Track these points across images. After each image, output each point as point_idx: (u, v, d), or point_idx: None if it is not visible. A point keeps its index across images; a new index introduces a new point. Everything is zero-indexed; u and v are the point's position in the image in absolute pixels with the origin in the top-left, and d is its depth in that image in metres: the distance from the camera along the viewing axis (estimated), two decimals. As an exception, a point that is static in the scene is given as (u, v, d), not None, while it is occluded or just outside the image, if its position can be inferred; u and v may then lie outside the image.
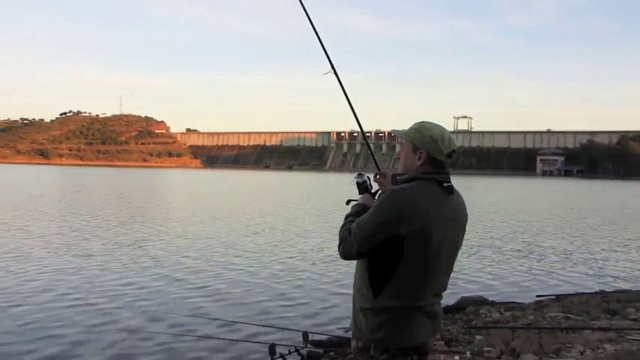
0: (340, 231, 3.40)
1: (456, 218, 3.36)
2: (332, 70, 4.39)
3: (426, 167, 3.33)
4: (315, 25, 4.50)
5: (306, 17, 4.54)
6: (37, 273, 12.47)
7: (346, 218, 3.47)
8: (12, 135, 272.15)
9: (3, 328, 8.54)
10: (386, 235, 3.19)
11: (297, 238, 20.04)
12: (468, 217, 3.52)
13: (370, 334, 3.22)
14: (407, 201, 3.24)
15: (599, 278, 13.87)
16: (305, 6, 4.56)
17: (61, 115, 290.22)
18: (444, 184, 3.32)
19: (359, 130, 4.65)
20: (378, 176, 3.78)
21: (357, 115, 4.42)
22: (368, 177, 3.81)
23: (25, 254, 14.83)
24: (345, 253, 3.33)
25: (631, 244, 20.67)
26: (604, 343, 6.98)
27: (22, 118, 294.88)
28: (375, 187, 3.72)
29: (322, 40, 4.43)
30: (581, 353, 6.49)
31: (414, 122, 3.46)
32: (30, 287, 11.12)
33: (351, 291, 3.41)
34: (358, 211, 3.47)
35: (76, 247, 16.49)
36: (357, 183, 3.76)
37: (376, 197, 3.49)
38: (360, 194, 3.73)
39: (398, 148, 3.82)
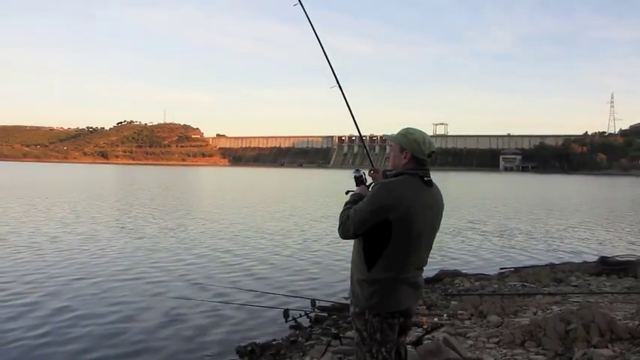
0: (340, 215, 3.42)
1: (434, 206, 3.38)
2: (337, 85, 4.40)
3: (410, 165, 3.36)
4: (323, 46, 4.52)
5: (316, 40, 4.55)
6: (104, 251, 12.52)
7: (345, 205, 3.49)
8: (80, 140, 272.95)
9: (84, 293, 8.63)
10: (378, 220, 3.21)
11: (309, 222, 20.01)
12: (445, 205, 3.53)
13: (365, 301, 3.26)
14: (395, 192, 3.29)
15: (549, 253, 13.83)
16: (315, 29, 4.58)
17: (117, 123, 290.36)
18: (425, 178, 3.35)
19: (357, 134, 4.69)
20: (371, 172, 3.82)
21: (357, 120, 4.47)
22: (363, 172, 3.84)
23: (94, 236, 14.90)
24: (345, 234, 3.36)
25: (574, 225, 20.63)
26: (552, 305, 6.99)
27: (87, 127, 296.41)
28: (369, 180, 3.76)
29: (329, 59, 4.46)
30: (534, 314, 6.49)
31: (402, 128, 3.50)
32: (100, 262, 11.19)
33: (349, 266, 3.44)
34: (355, 200, 3.49)
35: (133, 230, 16.56)
36: (355, 177, 3.78)
37: (370, 188, 3.55)
38: (357, 186, 3.77)
39: (388, 149, 3.87)
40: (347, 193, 3.80)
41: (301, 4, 4.58)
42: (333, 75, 4.37)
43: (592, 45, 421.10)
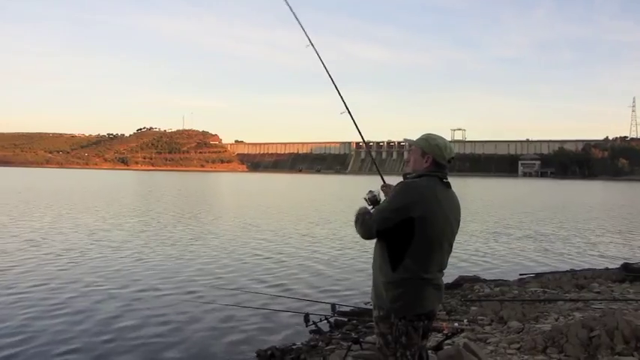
0: (359, 217, 3.47)
1: (453, 207, 3.44)
2: (347, 111, 4.58)
3: (431, 168, 3.42)
4: (332, 77, 4.72)
5: (325, 72, 4.76)
6: (128, 257, 12.68)
7: (364, 215, 3.50)
8: (101, 146, 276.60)
9: (106, 297, 8.73)
10: (401, 218, 3.25)
11: (328, 227, 20.04)
12: (464, 211, 3.60)
13: (390, 303, 3.26)
14: (417, 190, 3.34)
15: (570, 259, 13.67)
16: (324, 62, 4.74)
17: (137, 130, 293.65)
18: (444, 180, 3.41)
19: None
20: (384, 187, 3.87)
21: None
22: (377, 192, 3.86)
23: (120, 242, 15.09)
24: (367, 232, 3.39)
25: (596, 231, 20.35)
26: (573, 312, 6.91)
27: (108, 134, 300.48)
28: (382, 196, 3.78)
29: (338, 87, 4.64)
30: (556, 320, 6.43)
31: (422, 133, 3.57)
32: (124, 267, 11.33)
33: (370, 270, 3.45)
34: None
35: (155, 236, 16.72)
36: (369, 199, 3.78)
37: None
38: (372, 207, 3.77)
39: (406, 155, 3.92)
40: (365, 199, 3.82)
41: (313, 45, 4.78)
42: (342, 101, 4.56)
43: (613, 49, 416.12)
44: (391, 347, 3.32)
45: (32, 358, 6.14)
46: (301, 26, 4.94)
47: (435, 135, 3.55)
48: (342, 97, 4.58)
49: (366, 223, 3.41)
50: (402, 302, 3.26)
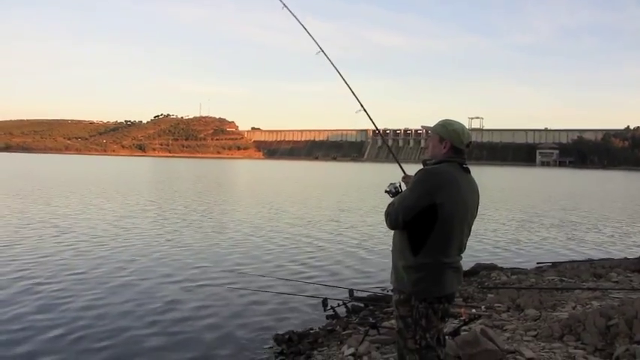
0: (386, 210, 3.50)
1: (472, 191, 3.48)
2: (362, 109, 4.63)
3: (449, 154, 3.46)
4: (345, 78, 4.76)
5: (339, 76, 4.80)
6: (149, 240, 12.88)
7: (389, 207, 3.52)
8: (119, 133, 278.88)
9: (126, 281, 8.86)
10: (424, 205, 3.29)
11: (345, 214, 20.07)
12: (481, 198, 3.62)
13: (412, 287, 3.31)
14: (438, 176, 3.40)
15: (588, 248, 13.58)
16: (338, 69, 4.78)
17: (154, 117, 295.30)
18: (463, 165, 3.46)
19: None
20: (404, 178, 3.91)
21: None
22: (399, 184, 3.90)
23: (140, 226, 15.32)
24: (393, 224, 3.43)
25: (615, 221, 20.13)
26: (591, 300, 6.87)
27: (126, 120, 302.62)
28: (403, 187, 3.81)
29: (352, 88, 4.70)
30: (573, 308, 6.40)
31: (439, 120, 3.60)
32: (143, 251, 11.50)
33: (388, 256, 3.52)
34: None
35: (176, 220, 16.91)
36: (390, 192, 3.81)
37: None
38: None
39: (423, 142, 3.96)
40: (386, 192, 3.86)
41: (323, 51, 4.83)
42: (357, 100, 4.63)
43: (635, 36, 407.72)
44: (411, 330, 3.37)
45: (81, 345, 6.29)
46: (309, 34, 5.01)
47: (452, 120, 3.58)
48: (357, 97, 4.64)
49: (391, 215, 3.46)
50: (423, 285, 3.32)
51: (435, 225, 3.29)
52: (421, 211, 3.31)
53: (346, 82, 4.77)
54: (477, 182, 3.56)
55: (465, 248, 3.48)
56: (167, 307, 7.58)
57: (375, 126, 4.63)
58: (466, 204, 3.39)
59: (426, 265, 3.32)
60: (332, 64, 4.86)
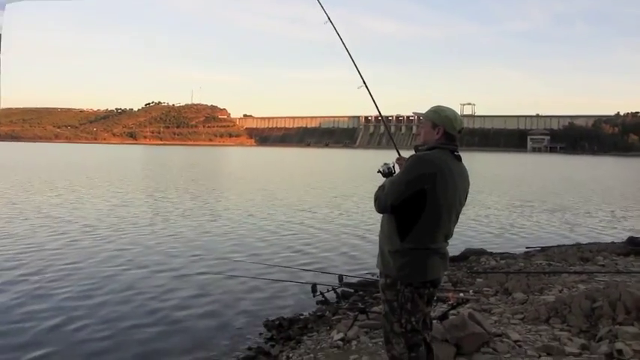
0: (375, 193, 3.51)
1: (463, 179, 3.50)
2: (364, 84, 4.55)
3: (442, 140, 3.47)
4: (349, 51, 4.65)
5: (343, 47, 4.72)
6: (138, 228, 12.88)
7: (378, 190, 3.54)
8: (109, 121, 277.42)
9: (116, 270, 8.85)
10: (414, 190, 3.30)
11: (337, 200, 20.11)
12: (471, 184, 3.64)
13: (397, 271, 3.34)
14: (429, 163, 3.41)
15: (576, 233, 13.71)
16: (342, 38, 4.70)
17: (145, 105, 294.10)
18: (455, 152, 3.48)
19: (382, 116, 4.80)
20: (399, 160, 3.91)
21: (382, 102, 4.58)
22: (392, 164, 3.91)
23: (129, 214, 15.29)
24: (382, 207, 3.44)
25: (603, 206, 20.32)
26: (578, 284, 6.96)
27: (116, 108, 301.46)
28: (397, 169, 3.83)
29: (355, 62, 4.59)
30: (560, 291, 6.49)
31: (431, 106, 3.60)
32: (132, 239, 11.51)
33: (376, 242, 3.54)
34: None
35: (165, 208, 16.90)
36: (384, 172, 3.83)
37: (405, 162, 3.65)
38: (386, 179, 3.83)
39: (414, 129, 3.99)
40: (378, 172, 3.88)
41: (331, 21, 4.76)
42: (359, 75, 4.52)
43: (627, 23, 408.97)
44: (397, 313, 3.41)
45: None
46: (320, 3, 4.92)
47: (444, 107, 3.59)
48: (359, 72, 4.56)
49: (380, 198, 3.48)
50: (409, 270, 3.35)
51: (423, 211, 3.31)
52: (410, 196, 3.33)
53: (350, 55, 4.69)
54: (468, 169, 3.58)
55: (451, 235, 3.50)
56: (158, 295, 7.60)
57: (375, 103, 4.59)
58: (456, 191, 3.41)
59: (412, 250, 3.34)
60: (338, 34, 4.76)
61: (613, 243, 11.09)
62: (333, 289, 6.91)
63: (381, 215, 3.47)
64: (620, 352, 4.20)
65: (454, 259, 9.42)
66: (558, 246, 11.07)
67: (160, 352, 5.79)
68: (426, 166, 3.35)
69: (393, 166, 3.84)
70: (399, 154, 3.97)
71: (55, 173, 32.18)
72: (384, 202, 3.42)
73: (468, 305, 5.87)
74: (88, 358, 5.63)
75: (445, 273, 3.81)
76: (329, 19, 4.80)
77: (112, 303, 7.24)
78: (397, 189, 3.37)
